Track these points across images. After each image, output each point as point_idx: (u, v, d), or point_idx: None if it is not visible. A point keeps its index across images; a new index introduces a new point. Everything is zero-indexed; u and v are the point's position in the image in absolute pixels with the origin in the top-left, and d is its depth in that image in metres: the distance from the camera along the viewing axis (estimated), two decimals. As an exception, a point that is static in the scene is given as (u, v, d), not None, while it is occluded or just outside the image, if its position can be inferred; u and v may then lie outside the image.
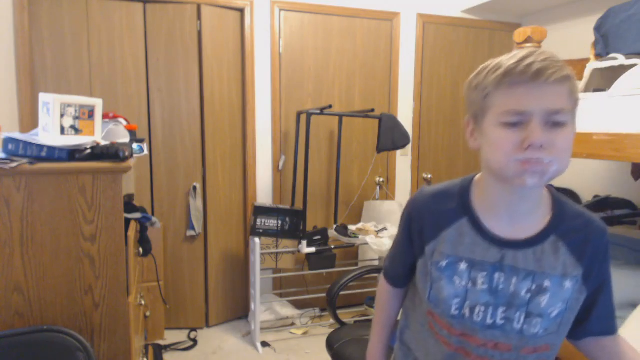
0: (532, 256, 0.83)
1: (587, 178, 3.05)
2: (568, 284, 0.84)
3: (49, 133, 1.36)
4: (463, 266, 0.86)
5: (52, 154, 1.34)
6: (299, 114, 3.06)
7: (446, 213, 0.89)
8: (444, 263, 0.87)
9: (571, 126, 0.76)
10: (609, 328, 0.92)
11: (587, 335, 0.93)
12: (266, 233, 2.92)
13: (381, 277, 1.10)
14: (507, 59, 0.76)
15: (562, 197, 0.89)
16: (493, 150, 0.78)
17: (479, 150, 0.83)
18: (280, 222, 2.94)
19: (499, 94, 0.76)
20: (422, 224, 0.91)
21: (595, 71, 1.88)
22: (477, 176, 0.91)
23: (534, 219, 0.85)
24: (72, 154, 1.35)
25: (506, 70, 0.75)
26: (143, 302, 1.91)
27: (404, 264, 1.01)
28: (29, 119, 2.64)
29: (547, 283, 0.83)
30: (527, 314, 0.83)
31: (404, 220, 0.98)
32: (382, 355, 1.12)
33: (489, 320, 0.84)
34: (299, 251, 2.96)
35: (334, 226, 3.15)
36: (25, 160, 1.30)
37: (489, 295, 0.84)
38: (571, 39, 3.18)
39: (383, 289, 1.10)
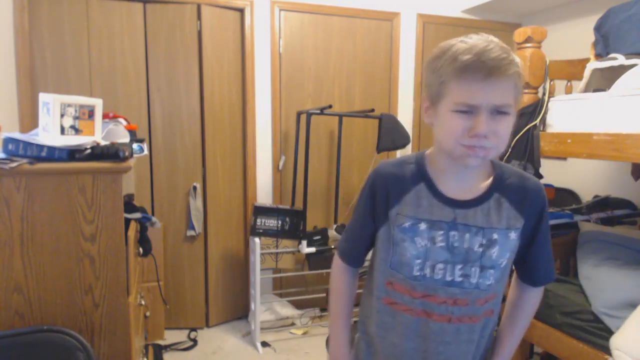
0: (480, 213, 0.94)
1: (587, 178, 3.05)
2: (512, 235, 0.95)
3: (49, 133, 1.36)
4: (423, 226, 0.94)
5: (52, 154, 1.34)
6: (299, 114, 3.06)
7: (407, 179, 0.98)
8: (407, 224, 0.95)
9: (513, 115, 0.87)
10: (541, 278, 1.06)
11: (543, 281, 1.06)
12: (266, 233, 2.92)
13: (337, 260, 1.13)
14: (463, 51, 0.84)
15: (500, 162, 1.02)
16: (444, 133, 0.89)
17: (432, 126, 0.95)
18: (280, 222, 2.94)
19: (454, 86, 0.85)
20: (387, 189, 0.99)
21: (595, 71, 1.88)
22: (429, 150, 1.02)
23: (478, 181, 0.97)
24: (72, 154, 1.35)
25: (462, 65, 0.83)
26: (143, 302, 1.91)
27: (364, 237, 1.07)
28: (29, 119, 2.64)
29: (495, 236, 0.93)
30: (481, 267, 0.93)
31: (367, 191, 1.03)
32: (348, 344, 1.13)
33: (448, 277, 0.93)
34: (299, 251, 2.96)
35: (334, 226, 3.15)
36: (25, 160, 1.30)
37: (447, 253, 0.93)
38: (571, 39, 3.17)
39: (341, 270, 1.12)
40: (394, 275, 0.97)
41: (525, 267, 1.05)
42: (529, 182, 0.99)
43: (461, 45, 0.86)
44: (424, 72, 0.95)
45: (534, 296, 1.08)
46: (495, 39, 0.86)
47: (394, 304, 0.98)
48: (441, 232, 0.93)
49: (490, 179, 0.97)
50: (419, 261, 0.94)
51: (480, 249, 0.93)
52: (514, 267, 1.07)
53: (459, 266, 0.93)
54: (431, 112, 0.93)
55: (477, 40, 0.85)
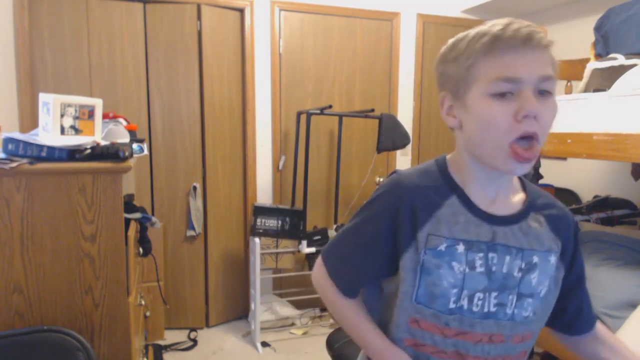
0: (519, 232, 0.81)
1: (587, 178, 3.05)
2: (552, 258, 0.83)
3: (49, 133, 1.36)
4: (461, 248, 0.78)
5: (52, 154, 1.34)
6: (299, 114, 3.06)
7: (435, 191, 0.81)
8: (442, 247, 0.78)
9: (555, 97, 0.74)
10: (593, 319, 0.94)
11: (589, 326, 0.93)
12: (266, 233, 2.92)
13: (329, 288, 0.89)
14: (490, 27, 0.73)
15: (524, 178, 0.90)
16: (481, 128, 0.73)
17: (459, 128, 0.80)
18: (280, 222, 2.94)
19: (487, 61, 0.72)
20: (413, 205, 0.80)
21: (595, 71, 1.88)
22: (449, 155, 0.86)
23: (512, 195, 0.84)
24: (72, 154, 1.35)
25: (494, 36, 0.71)
26: (143, 302, 1.91)
27: (373, 267, 0.85)
28: (29, 119, 2.64)
29: (535, 259, 0.81)
30: (518, 295, 0.80)
31: (382, 207, 0.83)
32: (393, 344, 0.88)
33: (486, 309, 0.79)
34: (299, 251, 2.96)
35: (334, 226, 3.15)
36: (25, 160, 1.30)
37: (486, 279, 0.79)
38: (571, 39, 3.17)
39: (341, 303, 0.89)
40: (421, 311, 0.80)
41: (572, 309, 0.91)
42: (558, 203, 0.88)
43: (481, 27, 0.74)
44: (436, 71, 0.81)
45: (602, 336, 0.93)
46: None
47: (420, 346, 0.81)
48: (480, 254, 0.78)
49: (523, 195, 0.85)
50: (455, 291, 0.77)
51: (519, 274, 0.79)
52: (554, 325, 0.93)
53: (495, 294, 0.79)
54: (456, 109, 0.78)
55: (498, 20, 0.74)
